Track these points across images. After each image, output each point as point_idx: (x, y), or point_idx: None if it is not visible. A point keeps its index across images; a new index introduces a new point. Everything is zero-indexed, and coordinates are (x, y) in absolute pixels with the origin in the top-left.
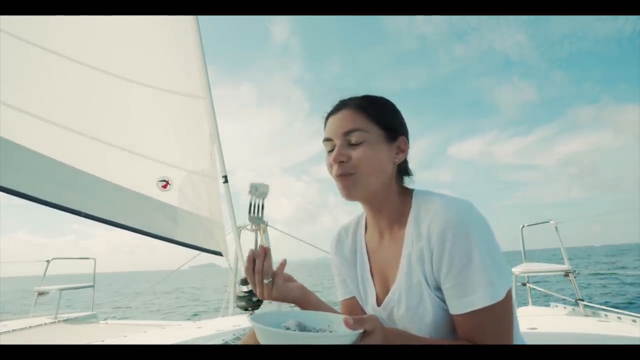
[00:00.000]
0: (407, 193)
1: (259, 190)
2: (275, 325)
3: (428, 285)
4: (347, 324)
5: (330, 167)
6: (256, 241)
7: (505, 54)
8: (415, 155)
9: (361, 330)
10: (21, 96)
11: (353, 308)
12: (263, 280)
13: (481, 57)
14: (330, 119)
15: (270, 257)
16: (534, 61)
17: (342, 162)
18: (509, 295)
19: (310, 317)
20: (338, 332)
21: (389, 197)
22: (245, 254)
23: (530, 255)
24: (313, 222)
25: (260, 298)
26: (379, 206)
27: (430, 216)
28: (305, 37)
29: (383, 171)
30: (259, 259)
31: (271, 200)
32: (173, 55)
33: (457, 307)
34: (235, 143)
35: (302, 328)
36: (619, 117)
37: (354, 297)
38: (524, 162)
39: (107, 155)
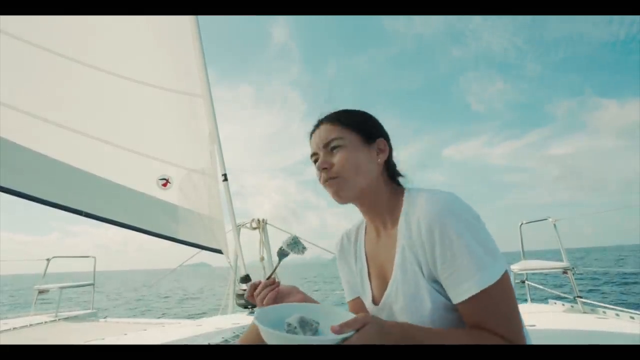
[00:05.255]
0: (400, 192)
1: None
2: (277, 319)
3: (423, 275)
4: (333, 330)
5: (319, 177)
6: (273, 270)
7: (501, 56)
8: (411, 157)
9: (352, 332)
10: (19, 96)
11: (360, 308)
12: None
13: (477, 60)
14: (313, 136)
15: (273, 291)
16: (530, 64)
17: (326, 168)
18: (505, 277)
19: (312, 310)
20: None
21: (379, 196)
22: (245, 253)
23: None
24: (310, 221)
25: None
26: (371, 206)
27: (417, 210)
28: (303, 39)
29: (366, 171)
30: (264, 286)
31: (267, 200)
32: (172, 53)
33: (456, 296)
34: (232, 143)
35: (304, 323)
36: (613, 120)
37: (359, 297)
38: (517, 164)
39: (107, 154)
